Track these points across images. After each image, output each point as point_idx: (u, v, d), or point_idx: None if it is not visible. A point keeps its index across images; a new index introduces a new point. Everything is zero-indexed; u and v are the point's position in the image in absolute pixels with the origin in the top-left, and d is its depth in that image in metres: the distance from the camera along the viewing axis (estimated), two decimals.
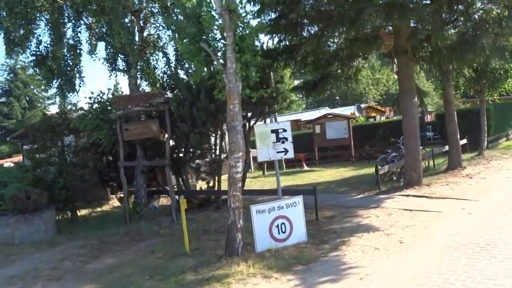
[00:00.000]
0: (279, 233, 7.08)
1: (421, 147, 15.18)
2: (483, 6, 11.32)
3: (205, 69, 7.73)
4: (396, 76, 28.35)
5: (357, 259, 6.22)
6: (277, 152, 7.09)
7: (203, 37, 7.04)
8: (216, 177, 11.64)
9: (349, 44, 10.13)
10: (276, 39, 12.05)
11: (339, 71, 13.38)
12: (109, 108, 11.00)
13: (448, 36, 8.69)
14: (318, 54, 12.64)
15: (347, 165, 20.13)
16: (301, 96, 13.72)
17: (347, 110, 27.99)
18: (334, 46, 12.66)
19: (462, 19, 11.18)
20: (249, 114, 13.72)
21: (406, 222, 7.94)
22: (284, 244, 7.07)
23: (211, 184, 12.13)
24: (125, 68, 11.61)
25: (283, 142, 7.08)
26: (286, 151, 7.13)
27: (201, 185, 14.36)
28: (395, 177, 12.80)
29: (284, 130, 7.08)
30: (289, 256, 6.54)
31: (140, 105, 10.51)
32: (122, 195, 13.07)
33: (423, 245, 6.46)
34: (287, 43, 12.44)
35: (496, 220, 7.29)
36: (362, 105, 29.94)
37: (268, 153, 7.07)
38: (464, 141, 17.71)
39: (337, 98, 53.64)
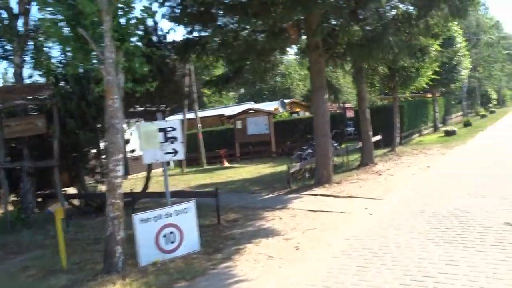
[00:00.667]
0: (167, 244, 6.40)
1: (336, 144, 15.30)
2: (392, 4, 11.39)
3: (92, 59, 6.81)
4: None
5: (247, 270, 5.71)
6: (165, 153, 6.38)
7: (81, 21, 6.10)
8: None
9: (255, 37, 9.64)
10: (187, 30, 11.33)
11: (253, 65, 12.91)
12: None
13: (354, 32, 8.47)
14: (228, 47, 12.09)
15: (267, 161, 19.88)
16: (214, 90, 12.87)
17: (271, 105, 27.83)
18: (248, 39, 12.18)
19: (376, 17, 11.18)
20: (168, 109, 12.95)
21: (308, 225, 7.60)
22: (173, 255, 6.40)
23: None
24: (2, 55, 10.24)
25: (172, 142, 6.38)
26: (175, 152, 6.44)
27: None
28: (307, 175, 12.59)
29: (173, 129, 6.38)
30: (175, 269, 5.88)
31: (26, 99, 9.28)
32: (16, 198, 11.70)
33: (318, 252, 6.09)
34: (200, 34, 11.77)
35: (394, 221, 7.14)
36: (286, 100, 29.95)
37: (155, 155, 6.34)
38: (378, 137, 18.11)
39: (266, 93, 53.74)
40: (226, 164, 21.10)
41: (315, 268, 5.46)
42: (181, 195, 9.48)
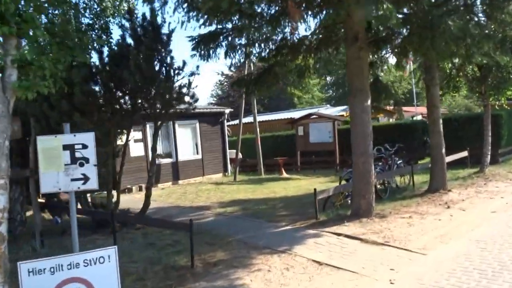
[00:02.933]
0: None
1: (400, 161, 12.36)
2: None
3: None
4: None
5: None
6: (72, 180, 4.58)
7: None
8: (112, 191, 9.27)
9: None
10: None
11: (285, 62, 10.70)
12: None
13: (387, 13, 5.81)
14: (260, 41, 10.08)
15: (329, 174, 17.34)
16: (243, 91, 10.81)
17: (345, 110, 24.96)
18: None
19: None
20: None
21: None
22: None
23: (115, 199, 9.79)
24: None
25: (81, 165, 4.56)
26: (85, 178, 4.60)
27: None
28: (350, 201, 9.97)
29: (84, 147, 4.55)
30: None
31: None
32: None
33: None
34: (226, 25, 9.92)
35: None
36: None
37: (57, 181, 4.57)
38: (465, 153, 14.62)
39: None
40: (284, 174, 18.97)
41: None
42: (151, 223, 7.70)
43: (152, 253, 7.38)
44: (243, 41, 10.43)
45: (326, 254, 6.52)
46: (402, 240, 6.98)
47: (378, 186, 11.71)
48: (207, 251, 7.17)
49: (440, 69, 13.90)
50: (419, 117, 33.34)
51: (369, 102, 8.39)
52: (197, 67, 9.22)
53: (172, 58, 9.03)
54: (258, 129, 19.80)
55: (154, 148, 9.13)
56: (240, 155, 22.08)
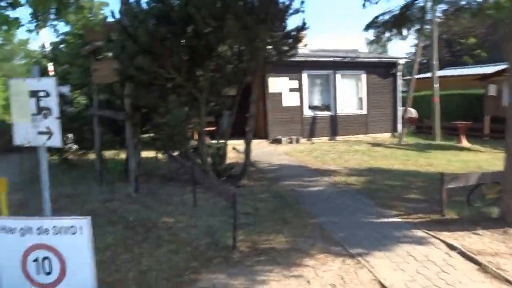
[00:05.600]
0: (38, 273, 4.05)
1: None
2: None
3: None
4: None
5: None
6: (38, 133, 3.79)
7: None
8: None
9: None
10: None
11: None
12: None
13: None
14: None
15: None
16: None
17: None
18: None
19: None
20: None
21: None
22: None
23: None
24: None
25: (45, 116, 3.73)
26: (49, 133, 3.75)
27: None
28: None
29: (47, 94, 3.67)
30: None
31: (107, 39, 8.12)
32: None
33: None
34: None
35: None
36: None
37: (26, 132, 3.86)
38: None
39: None
40: (464, 143, 15.36)
41: None
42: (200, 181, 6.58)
43: (219, 221, 6.44)
44: None
45: (407, 276, 4.41)
46: None
47: None
48: (271, 232, 5.87)
49: None
50: None
51: None
52: (302, 2, 7.30)
53: None
54: (436, 85, 16.34)
55: (254, 99, 7.97)
56: (415, 114, 19.04)
